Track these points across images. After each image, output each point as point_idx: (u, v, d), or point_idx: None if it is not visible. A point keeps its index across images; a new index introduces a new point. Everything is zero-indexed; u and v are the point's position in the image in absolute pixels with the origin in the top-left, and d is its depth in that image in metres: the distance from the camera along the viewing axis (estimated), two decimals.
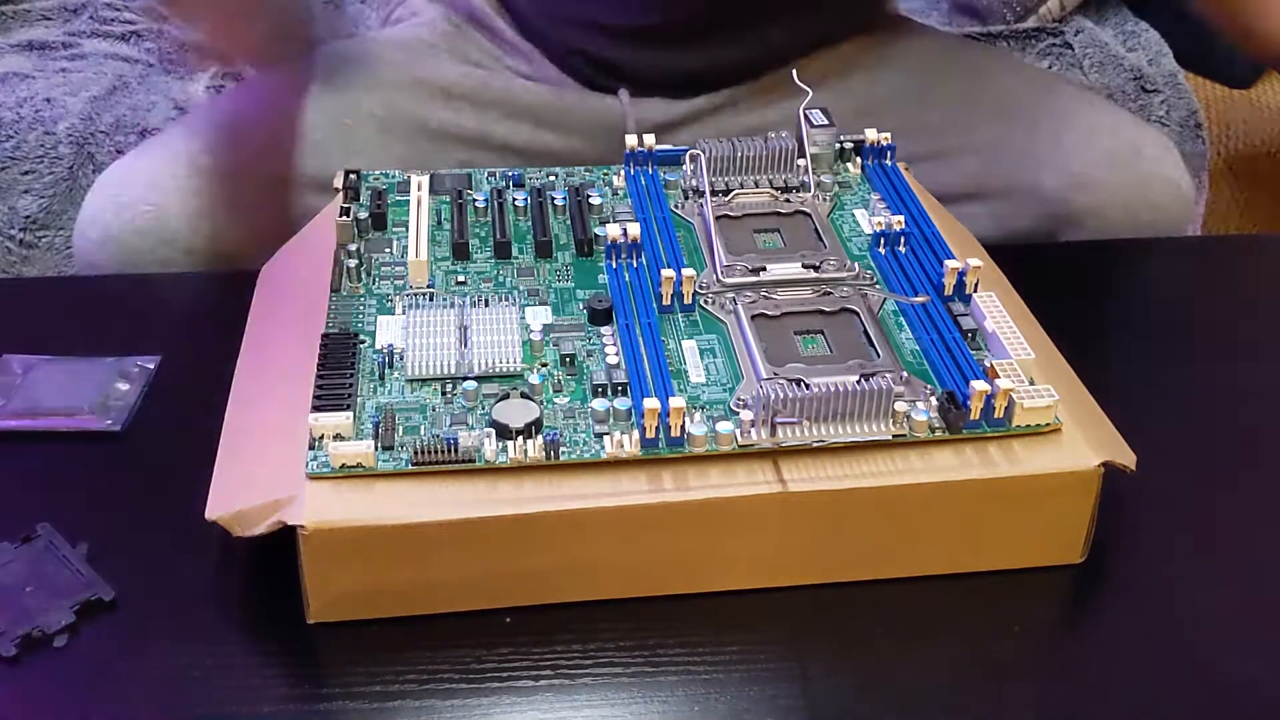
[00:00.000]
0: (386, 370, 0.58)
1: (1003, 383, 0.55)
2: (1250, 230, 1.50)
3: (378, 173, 0.73)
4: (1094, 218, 0.84)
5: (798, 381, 0.56)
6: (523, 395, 0.56)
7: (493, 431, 0.54)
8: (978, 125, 0.90)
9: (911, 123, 0.87)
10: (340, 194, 0.71)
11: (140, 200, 0.80)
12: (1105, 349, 0.70)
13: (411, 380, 0.57)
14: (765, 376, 0.57)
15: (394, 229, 0.68)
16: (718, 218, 0.67)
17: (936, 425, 0.55)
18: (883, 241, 0.66)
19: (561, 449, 0.54)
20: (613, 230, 0.65)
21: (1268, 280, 0.81)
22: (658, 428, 0.54)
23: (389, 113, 0.89)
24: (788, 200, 0.70)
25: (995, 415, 0.55)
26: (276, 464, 0.54)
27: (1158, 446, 0.58)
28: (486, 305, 0.62)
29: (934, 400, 0.56)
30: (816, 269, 0.64)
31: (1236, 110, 1.50)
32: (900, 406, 0.55)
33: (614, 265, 0.65)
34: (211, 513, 0.53)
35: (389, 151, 0.89)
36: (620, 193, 0.72)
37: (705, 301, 0.62)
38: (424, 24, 0.96)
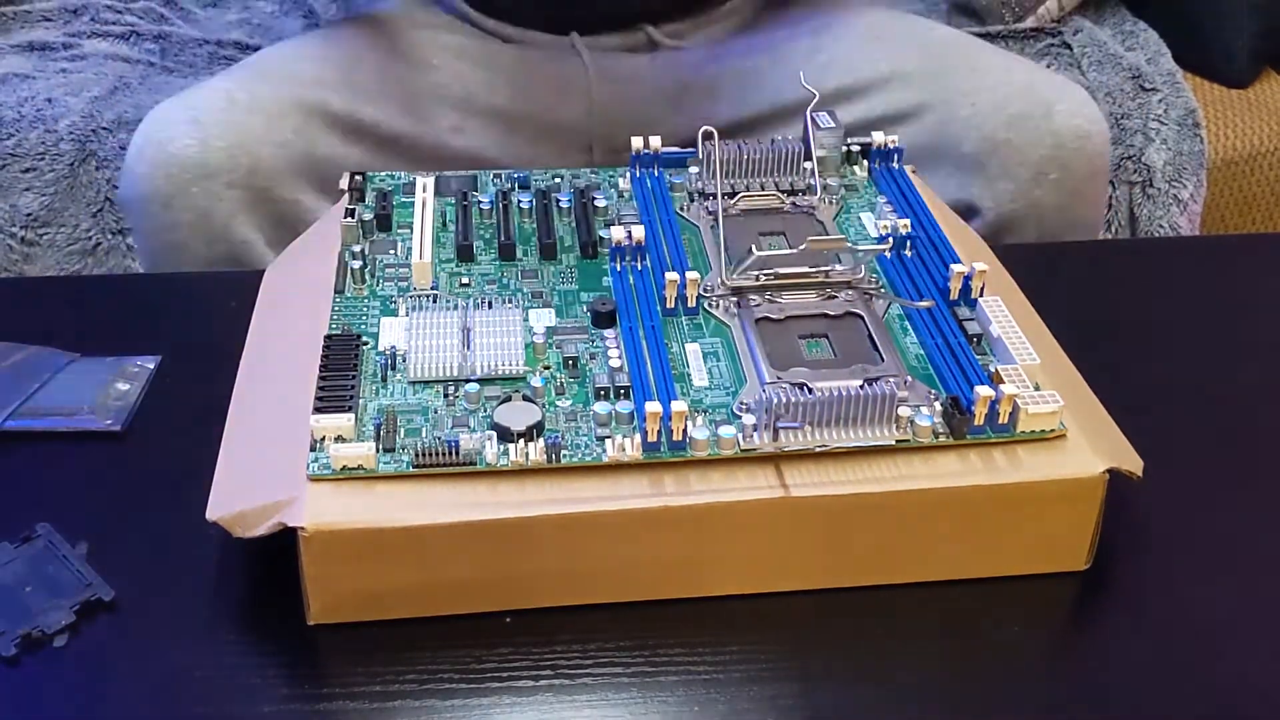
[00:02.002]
0: (389, 372, 0.58)
1: (1007, 388, 0.55)
2: (1250, 230, 1.50)
3: (383, 174, 0.72)
4: (1005, 178, 0.88)
5: (801, 386, 0.56)
6: (525, 398, 0.56)
7: (494, 434, 0.54)
8: (900, 93, 0.94)
9: (842, 91, 0.94)
10: (345, 195, 0.71)
11: (184, 135, 0.83)
12: (1109, 351, 0.70)
13: (414, 382, 0.57)
14: (768, 380, 0.57)
15: (399, 230, 0.68)
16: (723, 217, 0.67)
17: (940, 430, 0.55)
18: (889, 245, 0.66)
19: (563, 452, 0.54)
20: (617, 233, 0.65)
21: (1268, 280, 0.81)
22: (660, 431, 0.53)
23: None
24: (794, 203, 0.70)
25: (1000, 421, 0.55)
26: (277, 465, 0.54)
27: (1163, 450, 0.58)
28: (490, 307, 0.62)
29: (938, 405, 0.56)
30: (821, 272, 0.64)
31: (1236, 110, 1.50)
32: (904, 411, 0.55)
33: (618, 268, 0.65)
34: (212, 513, 0.53)
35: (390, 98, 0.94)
36: (625, 195, 0.72)
37: (709, 305, 0.62)
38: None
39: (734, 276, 0.62)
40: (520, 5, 0.97)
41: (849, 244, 0.63)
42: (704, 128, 0.69)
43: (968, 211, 0.90)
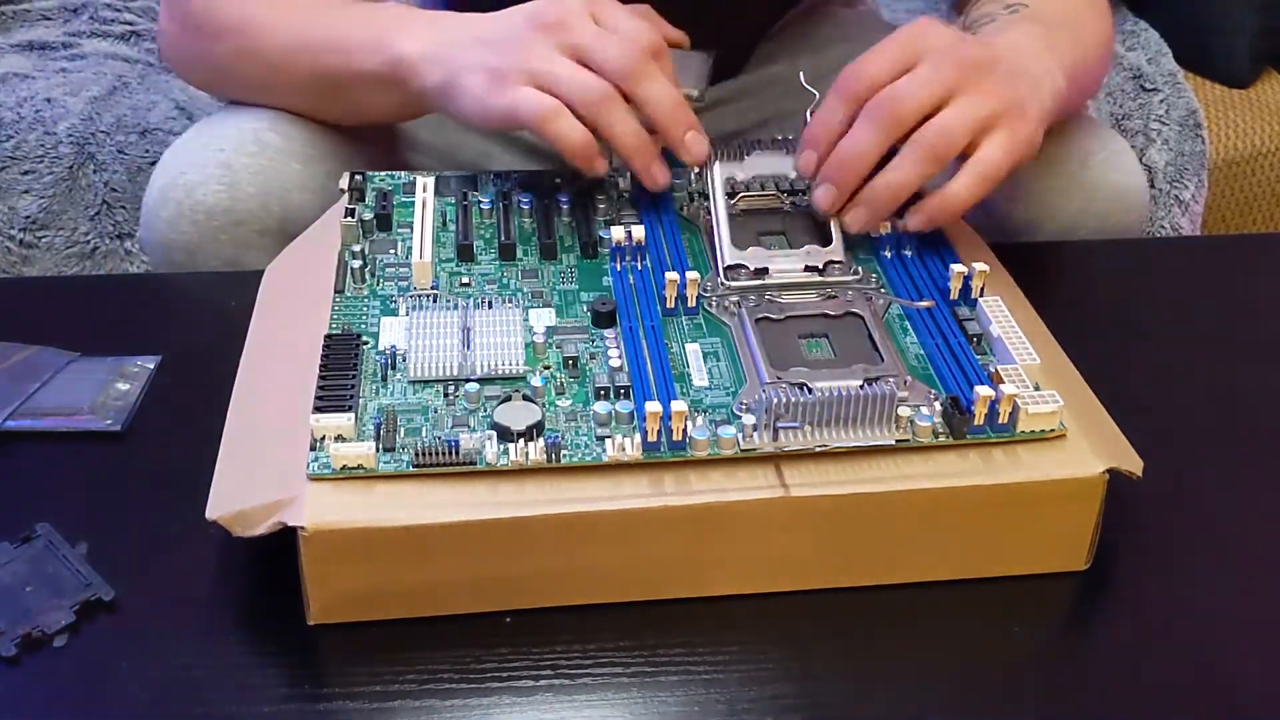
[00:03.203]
0: (389, 371, 0.58)
1: (1007, 388, 0.55)
2: (1250, 230, 1.50)
3: (383, 174, 0.72)
4: (1033, 230, 0.81)
5: (801, 385, 0.55)
6: (525, 398, 0.56)
7: (494, 434, 0.54)
8: None
9: None
10: (345, 195, 0.71)
11: (212, 179, 0.78)
12: (1109, 351, 0.70)
13: (414, 382, 0.57)
14: (768, 380, 0.56)
15: (399, 230, 0.68)
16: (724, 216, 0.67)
17: (940, 430, 0.55)
18: (889, 245, 0.66)
19: (563, 452, 0.54)
20: (617, 233, 0.65)
21: (1268, 280, 0.81)
22: (660, 431, 0.53)
23: None
24: (794, 203, 0.70)
25: (999, 421, 0.55)
26: (277, 464, 0.54)
27: (1164, 451, 0.58)
28: (490, 307, 0.62)
29: (938, 405, 0.56)
30: (821, 272, 0.64)
31: (1236, 110, 1.50)
32: (904, 411, 0.55)
33: (618, 268, 0.65)
34: (212, 513, 0.53)
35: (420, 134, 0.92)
36: (625, 195, 0.72)
37: (709, 304, 0.62)
38: None
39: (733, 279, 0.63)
40: None
41: (894, 297, 0.63)
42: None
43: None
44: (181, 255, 0.79)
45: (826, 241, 0.66)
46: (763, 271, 0.64)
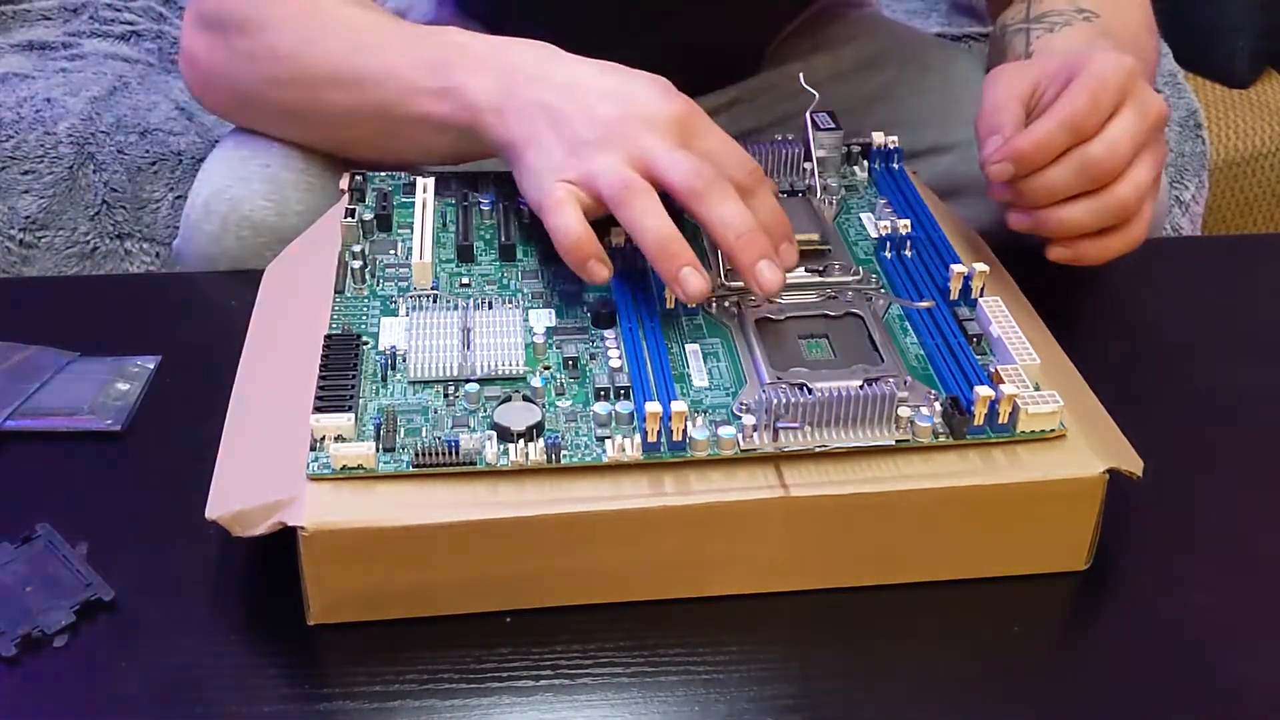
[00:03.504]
0: (389, 372, 0.58)
1: (1007, 388, 0.55)
2: (1250, 230, 1.50)
3: (383, 174, 0.72)
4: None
5: (801, 386, 0.56)
6: (525, 398, 0.56)
7: (494, 434, 0.54)
8: (953, 124, 0.90)
9: (890, 119, 0.88)
10: (346, 195, 0.71)
11: (257, 195, 0.75)
12: (1109, 351, 0.70)
13: (414, 382, 0.57)
14: (768, 381, 0.56)
15: (399, 230, 0.68)
16: None
17: (940, 430, 0.55)
18: (889, 245, 0.66)
19: (563, 452, 0.54)
20: (617, 234, 0.65)
21: (1268, 280, 0.81)
22: (660, 431, 0.53)
23: None
24: (784, 193, 0.70)
25: (999, 421, 0.55)
26: (277, 464, 0.54)
27: (1164, 451, 0.58)
28: (490, 308, 0.62)
29: (938, 405, 0.56)
30: (821, 272, 0.64)
31: (1236, 110, 1.50)
32: (904, 411, 0.55)
33: (619, 268, 0.64)
34: (212, 513, 0.53)
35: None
36: None
37: (709, 305, 0.62)
38: None
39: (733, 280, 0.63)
40: None
41: (894, 297, 0.63)
42: None
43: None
44: (224, 267, 0.77)
45: (825, 244, 0.66)
46: None
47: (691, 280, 0.58)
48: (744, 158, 0.63)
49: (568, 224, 0.60)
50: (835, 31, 0.98)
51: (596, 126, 0.62)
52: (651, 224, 0.59)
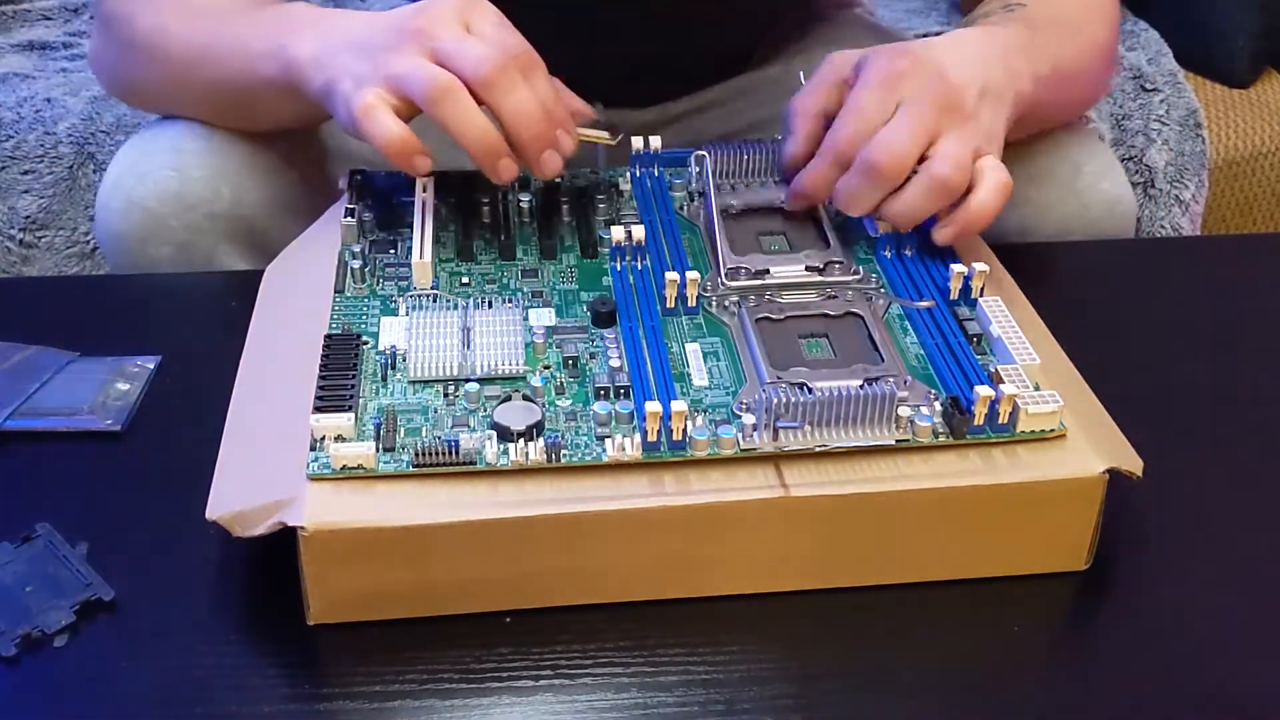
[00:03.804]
0: (389, 371, 0.58)
1: (1007, 388, 0.55)
2: (1250, 230, 1.50)
3: (383, 174, 0.72)
4: (1025, 237, 0.83)
5: (801, 385, 0.55)
6: (524, 397, 0.56)
7: (494, 434, 0.54)
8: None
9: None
10: (346, 194, 0.71)
11: (162, 166, 0.79)
12: (1109, 351, 0.70)
13: (414, 382, 0.57)
14: (768, 380, 0.56)
15: (399, 230, 0.68)
16: (722, 217, 0.67)
17: (940, 430, 0.55)
18: (889, 245, 0.66)
19: (563, 452, 0.54)
20: (617, 232, 0.65)
21: (1268, 280, 0.81)
22: (660, 431, 0.53)
23: None
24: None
25: (999, 421, 0.55)
26: (277, 465, 0.54)
27: (1163, 450, 0.58)
28: (490, 307, 0.62)
29: (938, 405, 0.56)
30: (821, 272, 0.64)
31: (1236, 110, 1.50)
32: (904, 411, 0.55)
33: (618, 267, 0.65)
34: (212, 513, 0.53)
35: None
36: (625, 195, 0.72)
37: (709, 304, 0.62)
38: None
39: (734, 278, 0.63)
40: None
41: (894, 297, 0.63)
42: (695, 153, 0.70)
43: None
44: (134, 244, 0.79)
45: (825, 243, 0.66)
46: (763, 272, 0.64)
47: (505, 168, 0.64)
48: (519, 39, 0.65)
49: (385, 126, 0.63)
50: (821, 32, 0.99)
51: (389, 34, 0.65)
52: (475, 123, 0.63)
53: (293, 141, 0.83)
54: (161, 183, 0.78)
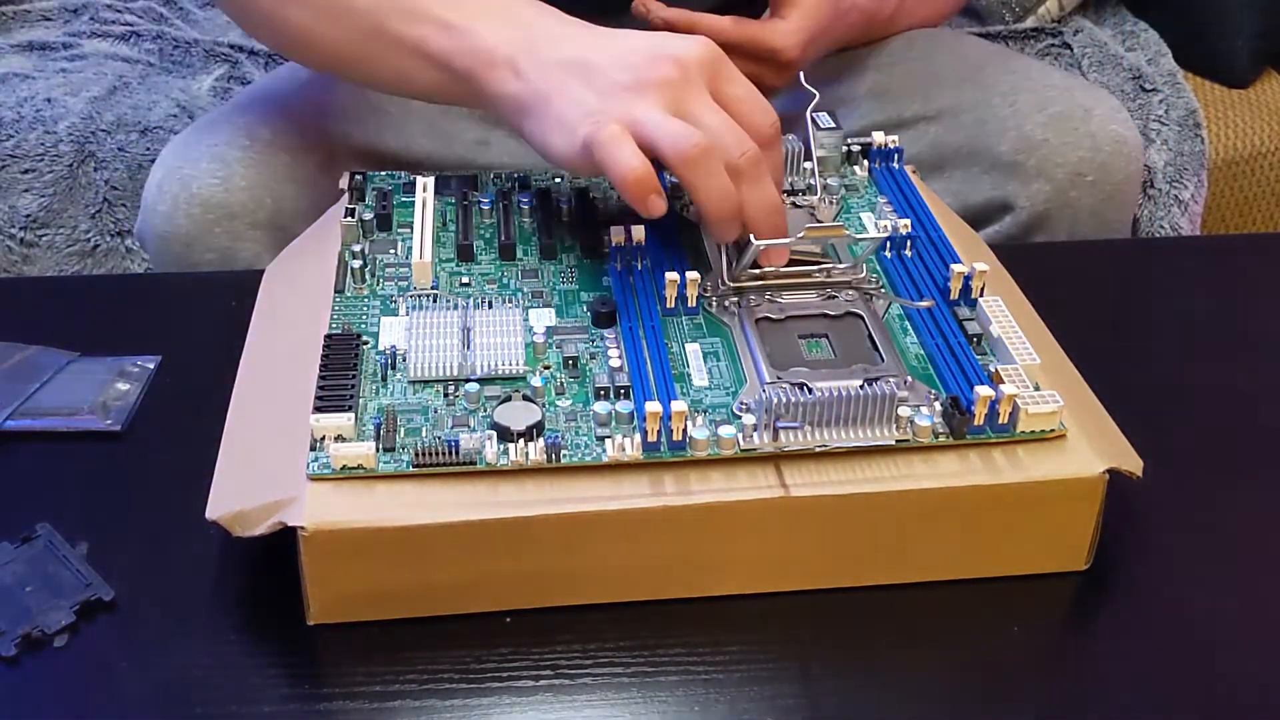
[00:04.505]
0: (389, 371, 0.58)
1: (1007, 388, 0.55)
2: (1250, 230, 1.50)
3: (384, 174, 0.73)
4: (1041, 178, 0.87)
5: (801, 385, 0.55)
6: (525, 398, 0.56)
7: (494, 434, 0.54)
8: (936, 94, 0.94)
9: (876, 90, 0.93)
10: (346, 194, 0.71)
11: (206, 174, 0.81)
12: (1109, 351, 0.70)
13: (414, 382, 0.57)
14: (768, 380, 0.56)
15: (399, 230, 0.68)
16: None
17: (940, 430, 0.55)
18: (889, 245, 0.66)
19: (563, 452, 0.54)
20: (617, 233, 0.65)
21: (1268, 280, 0.81)
22: (660, 431, 0.53)
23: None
24: (794, 204, 0.70)
25: (1000, 421, 0.55)
26: (277, 465, 0.54)
27: (1164, 451, 0.58)
28: (490, 307, 0.62)
29: (938, 405, 0.56)
30: (821, 272, 0.64)
31: (1236, 110, 1.50)
32: (904, 411, 0.55)
33: (618, 268, 0.65)
34: (212, 513, 0.53)
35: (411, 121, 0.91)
36: None
37: (709, 305, 0.62)
38: None
39: (735, 273, 0.62)
40: None
41: (847, 233, 0.63)
42: None
43: (1001, 209, 0.90)
44: (179, 247, 0.81)
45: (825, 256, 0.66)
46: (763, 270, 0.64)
47: (733, 232, 0.61)
48: (767, 113, 0.63)
49: (629, 158, 0.59)
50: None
51: (628, 71, 0.61)
52: (729, 194, 0.60)
53: (330, 150, 0.85)
54: (206, 191, 0.80)
